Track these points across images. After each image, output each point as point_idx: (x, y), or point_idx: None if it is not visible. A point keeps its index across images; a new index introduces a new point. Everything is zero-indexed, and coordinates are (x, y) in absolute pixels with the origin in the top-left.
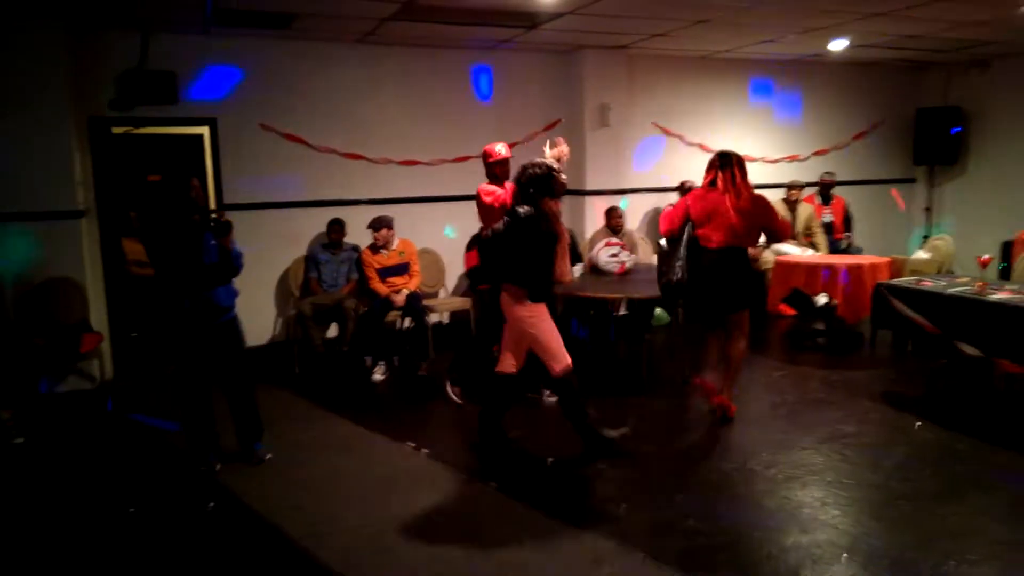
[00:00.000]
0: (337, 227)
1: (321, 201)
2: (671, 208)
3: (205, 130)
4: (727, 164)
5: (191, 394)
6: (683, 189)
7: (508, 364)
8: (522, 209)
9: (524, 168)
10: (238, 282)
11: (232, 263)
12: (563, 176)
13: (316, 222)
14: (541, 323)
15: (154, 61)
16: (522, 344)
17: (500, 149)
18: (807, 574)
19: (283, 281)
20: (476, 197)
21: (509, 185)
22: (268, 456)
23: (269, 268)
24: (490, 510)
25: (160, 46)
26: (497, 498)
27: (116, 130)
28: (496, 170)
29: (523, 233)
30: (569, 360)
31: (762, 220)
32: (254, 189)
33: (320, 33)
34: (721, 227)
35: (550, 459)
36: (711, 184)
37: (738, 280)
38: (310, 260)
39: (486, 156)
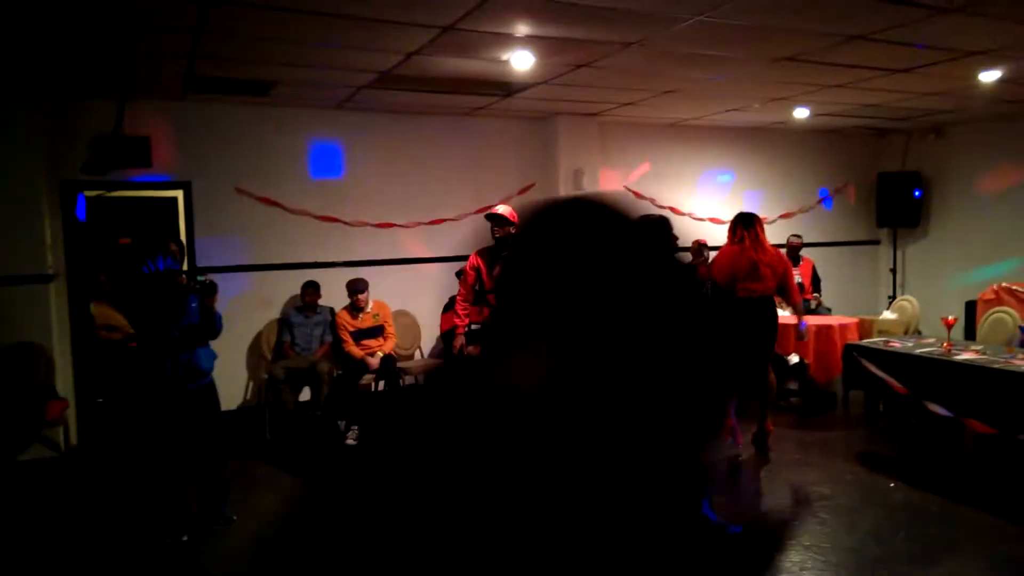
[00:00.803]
0: (312, 290)
1: (295, 264)
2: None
3: (179, 193)
4: (751, 224)
5: (165, 460)
6: (698, 249)
7: None
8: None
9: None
10: (214, 345)
11: (214, 325)
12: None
13: (290, 285)
14: None
15: (129, 126)
16: None
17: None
18: None
19: (255, 344)
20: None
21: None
22: (234, 517)
23: (242, 331)
24: None
25: (136, 111)
26: None
27: (88, 193)
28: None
29: None
30: None
31: (782, 272)
32: (227, 252)
33: (298, 100)
34: (759, 279)
35: None
36: (740, 242)
37: (775, 322)
38: (284, 323)
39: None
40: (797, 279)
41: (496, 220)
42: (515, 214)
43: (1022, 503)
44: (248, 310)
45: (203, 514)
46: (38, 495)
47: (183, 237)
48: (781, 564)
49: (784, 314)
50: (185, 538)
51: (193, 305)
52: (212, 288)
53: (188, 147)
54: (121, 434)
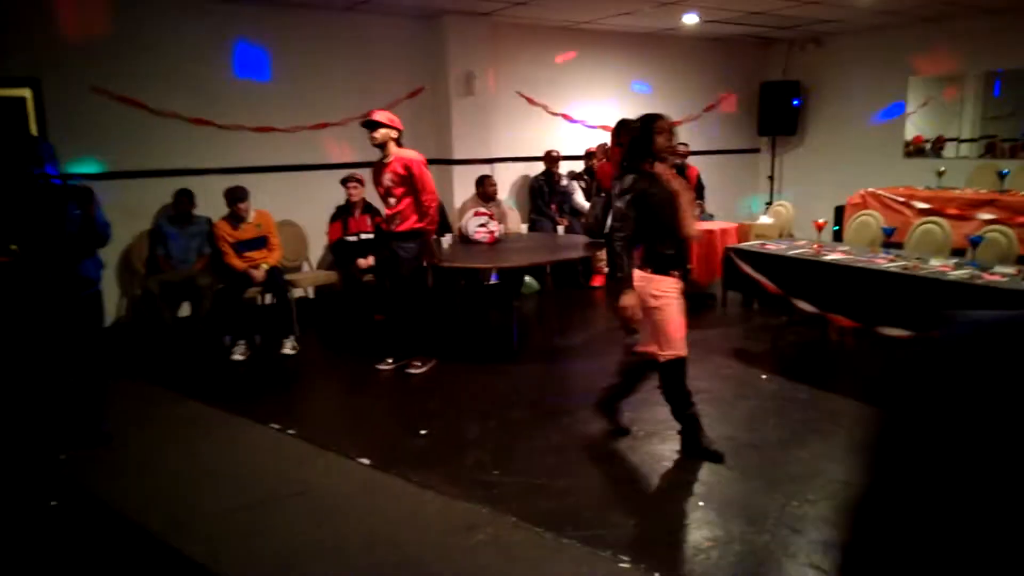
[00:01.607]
0: (185, 199)
1: (165, 171)
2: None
3: (27, 92)
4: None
5: (46, 374)
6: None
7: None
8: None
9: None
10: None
11: (97, 231)
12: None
13: (160, 193)
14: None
15: None
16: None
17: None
18: (668, 524)
19: (125, 258)
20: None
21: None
22: (111, 437)
23: (110, 244)
24: (361, 485)
25: None
26: (368, 473)
27: None
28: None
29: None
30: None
31: None
32: (87, 158)
33: None
34: None
35: (423, 431)
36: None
37: None
38: (156, 235)
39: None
40: None
41: (369, 125)
42: (393, 118)
43: (878, 389)
44: (115, 222)
45: (83, 432)
46: None
47: None
48: (660, 453)
49: None
50: (63, 456)
51: (76, 212)
52: (88, 193)
53: (34, 38)
54: None
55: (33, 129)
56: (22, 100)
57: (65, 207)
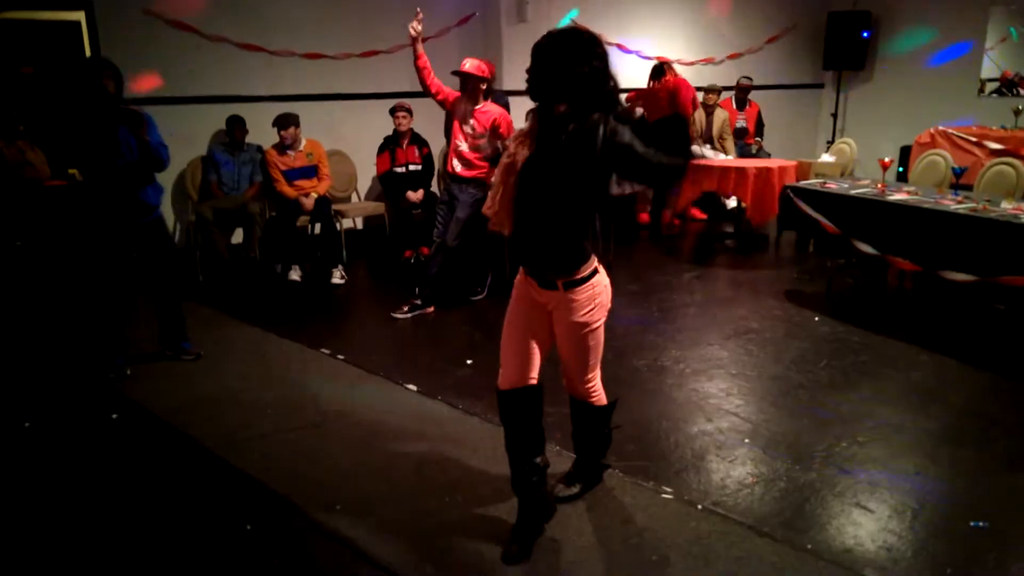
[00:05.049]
0: (239, 125)
1: (217, 97)
2: None
3: (81, 15)
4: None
5: (108, 297)
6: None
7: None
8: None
9: None
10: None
11: (154, 155)
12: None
13: (212, 120)
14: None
15: None
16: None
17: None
18: (711, 459)
19: (179, 184)
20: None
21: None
22: (200, 353)
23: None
24: (408, 410)
25: None
26: (416, 399)
27: None
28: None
29: None
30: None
31: None
32: (139, 84)
33: None
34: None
35: (468, 361)
36: None
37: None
38: (209, 161)
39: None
40: (741, 123)
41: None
42: (483, 66)
43: (936, 333)
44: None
45: (166, 351)
46: None
47: None
48: (705, 390)
49: (722, 157)
50: (128, 372)
51: (130, 138)
52: (139, 118)
53: None
54: (45, 276)
55: (87, 52)
56: (76, 24)
57: (117, 132)
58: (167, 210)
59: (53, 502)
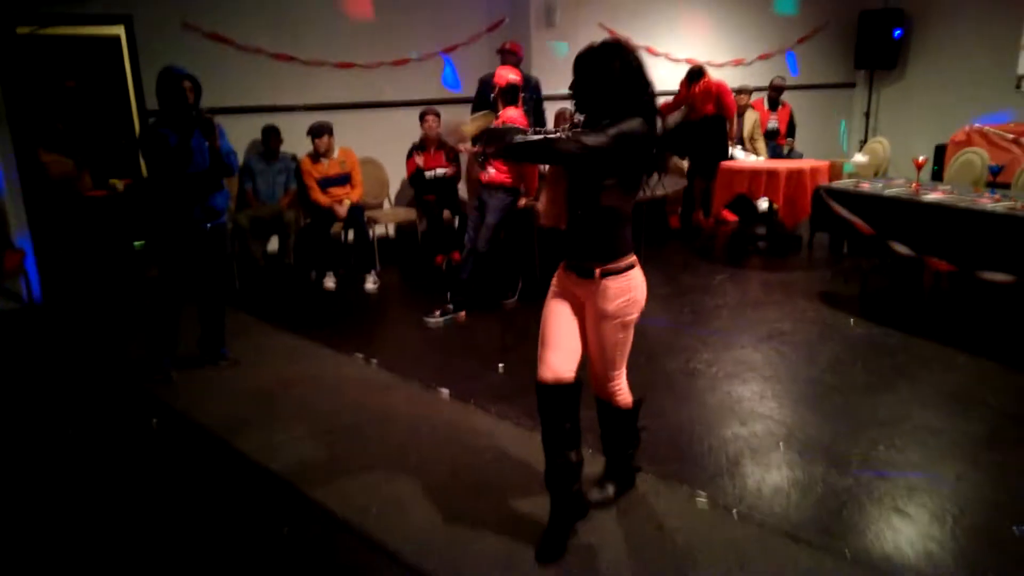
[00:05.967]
0: (274, 135)
1: (251, 107)
2: None
3: (120, 30)
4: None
5: (169, 300)
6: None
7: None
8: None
9: None
10: None
11: (225, 162)
12: None
13: (246, 130)
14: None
15: None
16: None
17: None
18: (746, 463)
19: None
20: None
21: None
22: (237, 359)
23: None
24: (441, 415)
25: None
26: (448, 403)
27: (21, 30)
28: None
29: None
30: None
31: None
32: None
33: None
34: None
35: (500, 365)
36: None
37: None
38: (245, 171)
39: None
40: (773, 124)
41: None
42: (500, 76)
43: (975, 335)
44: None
45: (204, 356)
46: (2, 345)
47: (129, 80)
48: (739, 393)
49: (753, 159)
50: (174, 376)
51: (205, 146)
52: (210, 124)
53: None
54: (89, 283)
55: (127, 68)
56: (116, 39)
57: (192, 139)
58: None
59: (93, 505)
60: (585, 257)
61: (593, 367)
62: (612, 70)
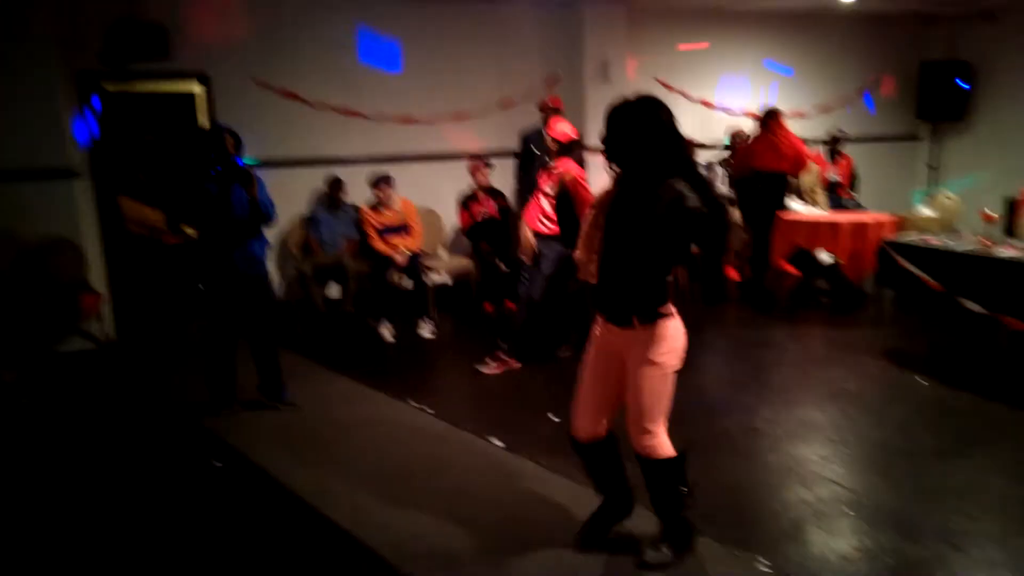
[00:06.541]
0: (337, 186)
1: (318, 159)
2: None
3: (197, 87)
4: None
5: (219, 348)
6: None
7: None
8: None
9: None
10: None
11: (262, 211)
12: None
13: (312, 181)
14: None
15: (144, 13)
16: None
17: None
18: (810, 529)
19: (283, 242)
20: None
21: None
22: (296, 403)
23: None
24: (493, 465)
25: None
26: (500, 454)
27: (109, 87)
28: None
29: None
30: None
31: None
32: (250, 147)
33: None
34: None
35: (555, 417)
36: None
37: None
38: (310, 220)
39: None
40: (833, 176)
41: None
42: (560, 133)
43: None
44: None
45: (265, 400)
46: (78, 384)
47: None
48: (802, 455)
49: (814, 211)
50: (233, 416)
51: (244, 196)
52: (249, 176)
53: (206, 36)
54: (160, 326)
55: (204, 121)
56: (191, 96)
57: (231, 190)
58: (272, 266)
59: (154, 544)
60: (624, 309)
61: (630, 418)
62: (654, 123)
